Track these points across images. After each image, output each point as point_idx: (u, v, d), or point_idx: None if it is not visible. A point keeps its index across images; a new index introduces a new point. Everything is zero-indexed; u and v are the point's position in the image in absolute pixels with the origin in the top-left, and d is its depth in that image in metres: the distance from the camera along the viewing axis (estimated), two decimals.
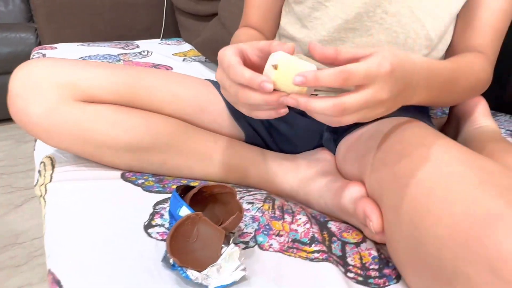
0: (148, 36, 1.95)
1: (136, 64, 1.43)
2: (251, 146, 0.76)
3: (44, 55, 1.48)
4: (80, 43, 1.69)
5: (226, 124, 0.76)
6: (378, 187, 0.54)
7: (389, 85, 0.44)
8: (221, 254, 0.46)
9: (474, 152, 0.47)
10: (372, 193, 0.56)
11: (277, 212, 0.61)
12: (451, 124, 0.84)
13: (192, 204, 0.55)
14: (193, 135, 0.71)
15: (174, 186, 0.67)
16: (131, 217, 0.57)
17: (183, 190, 0.55)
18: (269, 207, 0.63)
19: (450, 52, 0.73)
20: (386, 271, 0.50)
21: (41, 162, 0.74)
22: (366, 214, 0.53)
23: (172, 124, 0.70)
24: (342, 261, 0.52)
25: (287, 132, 0.78)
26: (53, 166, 0.70)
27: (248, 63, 0.48)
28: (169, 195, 0.63)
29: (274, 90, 0.44)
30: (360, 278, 0.49)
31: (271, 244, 0.53)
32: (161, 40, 1.88)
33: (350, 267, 0.51)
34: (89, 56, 1.50)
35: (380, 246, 0.56)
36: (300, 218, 0.60)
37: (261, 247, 0.53)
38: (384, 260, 0.52)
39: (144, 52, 1.60)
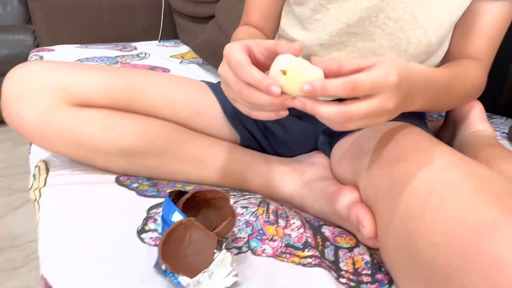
0: (146, 38, 1.95)
1: (133, 66, 1.42)
2: (247, 150, 0.76)
3: (41, 57, 1.48)
4: (78, 45, 1.69)
5: (222, 127, 0.76)
6: (373, 192, 0.54)
7: (395, 95, 0.45)
8: (213, 260, 0.46)
9: (469, 159, 0.47)
10: (366, 198, 0.56)
11: (271, 217, 0.61)
12: (448, 127, 0.84)
13: (186, 209, 0.55)
14: (188, 139, 0.71)
15: (169, 190, 0.66)
16: (125, 222, 0.57)
17: (176, 195, 0.55)
18: (263, 212, 0.63)
19: (446, 57, 0.73)
20: (379, 276, 0.50)
21: (35, 166, 0.74)
22: (359, 219, 0.53)
23: (166, 128, 0.70)
24: (334, 266, 0.52)
25: (283, 135, 0.78)
26: (47, 170, 0.70)
27: (252, 61, 0.48)
28: (163, 199, 0.63)
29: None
30: (352, 284, 0.49)
31: (264, 249, 0.53)
32: (159, 42, 1.88)
33: (343, 272, 0.51)
34: (87, 58, 1.50)
35: (373, 251, 0.56)
36: (294, 223, 0.60)
37: (254, 252, 0.53)
38: (377, 265, 0.52)
39: (141, 54, 1.60)
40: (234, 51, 0.47)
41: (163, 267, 0.45)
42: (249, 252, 0.53)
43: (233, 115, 0.75)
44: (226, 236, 0.55)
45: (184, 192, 0.55)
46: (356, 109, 0.43)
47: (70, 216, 0.58)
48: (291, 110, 0.69)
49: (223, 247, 0.49)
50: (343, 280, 0.49)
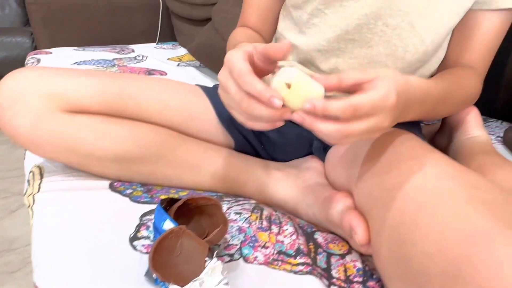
0: (144, 40, 1.95)
1: (130, 69, 1.43)
2: (241, 155, 0.76)
3: (39, 60, 1.48)
4: (75, 48, 1.70)
5: (216, 132, 0.76)
6: (367, 199, 0.54)
7: (392, 115, 0.46)
8: (204, 268, 0.46)
9: (463, 167, 0.47)
10: (360, 204, 0.56)
11: (264, 223, 0.61)
12: (444, 132, 0.84)
13: (178, 216, 0.55)
14: (182, 145, 0.71)
15: (163, 197, 0.67)
16: (117, 229, 0.57)
17: (168, 203, 0.55)
18: (256, 218, 0.63)
19: (443, 64, 0.73)
20: (370, 283, 0.50)
21: (30, 172, 0.74)
22: (352, 226, 0.53)
23: (160, 134, 0.70)
24: (326, 274, 0.52)
25: (278, 140, 0.78)
26: (41, 176, 0.70)
27: (252, 67, 0.48)
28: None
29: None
30: None
31: (256, 257, 0.54)
32: (157, 44, 1.88)
33: (334, 279, 0.51)
34: (84, 61, 1.50)
35: (365, 257, 0.56)
36: (287, 229, 0.60)
37: (246, 260, 0.53)
38: (369, 272, 0.53)
39: (139, 56, 1.60)
40: (236, 59, 0.46)
41: (154, 275, 0.45)
42: (241, 259, 0.53)
43: (228, 120, 0.75)
44: (218, 243, 0.55)
45: (176, 200, 0.55)
46: (354, 128, 0.44)
47: (63, 223, 0.58)
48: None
49: (214, 254, 0.49)
50: None
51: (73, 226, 0.58)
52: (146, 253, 0.53)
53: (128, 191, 0.67)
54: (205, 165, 0.72)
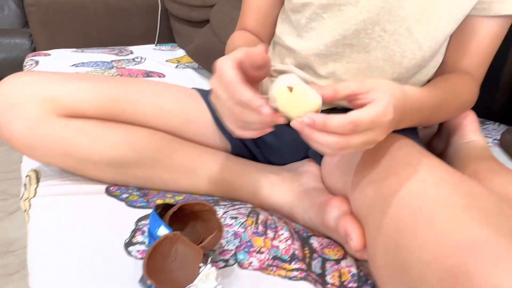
0: (142, 41, 1.95)
1: (129, 71, 1.43)
2: (237, 159, 0.76)
3: (37, 62, 1.49)
4: (74, 49, 1.69)
5: (213, 135, 0.76)
6: (363, 205, 0.54)
7: (389, 129, 0.48)
8: (198, 274, 0.46)
9: (460, 174, 0.47)
10: (356, 210, 0.56)
11: (260, 228, 0.61)
12: (441, 136, 0.84)
13: (173, 221, 0.55)
14: (178, 149, 0.71)
15: (159, 201, 0.67)
16: (113, 234, 0.57)
17: (164, 208, 0.55)
18: (252, 222, 0.63)
19: (440, 69, 0.73)
20: None
21: (26, 176, 0.74)
22: (347, 232, 0.53)
23: (156, 138, 0.70)
24: (321, 279, 0.52)
25: (274, 143, 0.78)
26: (38, 180, 0.71)
27: (243, 74, 0.48)
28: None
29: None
30: None
31: (251, 262, 0.54)
32: (156, 45, 1.88)
33: (329, 285, 0.51)
34: (82, 63, 1.50)
35: (360, 262, 0.56)
36: (282, 234, 0.60)
37: (240, 265, 0.53)
38: (363, 277, 0.53)
39: (137, 58, 1.60)
40: (226, 67, 0.47)
41: (148, 282, 0.45)
42: (236, 265, 0.53)
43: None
44: (213, 248, 0.55)
45: (171, 205, 0.55)
46: (352, 141, 0.45)
47: (58, 228, 0.58)
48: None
49: (209, 260, 0.49)
50: None
51: (68, 231, 0.58)
52: (141, 258, 0.53)
53: (124, 196, 0.67)
54: (202, 169, 0.72)
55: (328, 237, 0.62)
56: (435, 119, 0.68)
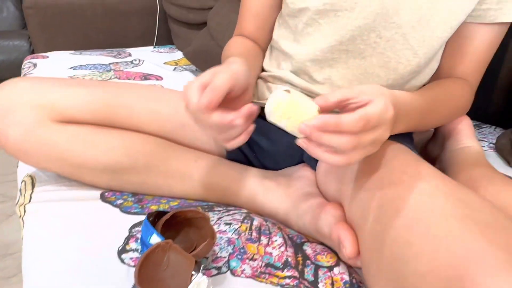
0: (141, 43, 1.95)
1: (126, 73, 1.43)
2: (232, 164, 0.76)
3: (35, 64, 1.49)
4: (72, 52, 1.70)
5: (207, 140, 0.77)
6: (358, 212, 0.54)
7: (391, 127, 0.48)
8: (190, 282, 0.47)
9: (456, 183, 0.47)
10: (351, 217, 0.56)
11: (254, 234, 0.62)
12: (436, 140, 0.84)
13: (167, 229, 0.55)
14: (173, 154, 0.72)
15: (153, 207, 0.67)
16: (106, 241, 0.57)
17: (157, 215, 0.55)
18: (246, 228, 0.63)
19: (436, 75, 0.74)
20: None
21: (22, 181, 0.74)
22: (340, 239, 0.53)
23: (151, 143, 0.70)
24: (313, 287, 0.52)
25: (269, 148, 0.78)
26: (33, 186, 0.71)
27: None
28: None
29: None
30: None
31: (244, 270, 0.54)
32: (154, 47, 1.89)
33: None
34: (80, 65, 1.50)
35: (353, 269, 0.56)
36: (276, 240, 0.60)
37: (233, 273, 0.53)
38: (356, 285, 0.53)
39: (135, 61, 1.61)
40: (190, 94, 0.50)
41: None
42: (228, 272, 0.53)
43: None
44: (206, 256, 0.55)
45: (165, 212, 0.55)
46: (363, 139, 0.45)
47: (53, 235, 0.59)
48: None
49: (201, 268, 0.49)
50: None
51: (63, 238, 0.58)
52: (134, 266, 0.53)
53: (119, 202, 0.67)
54: (196, 174, 0.72)
55: (322, 243, 0.62)
56: (428, 123, 0.67)
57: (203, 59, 1.36)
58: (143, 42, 1.97)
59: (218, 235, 0.60)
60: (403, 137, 0.71)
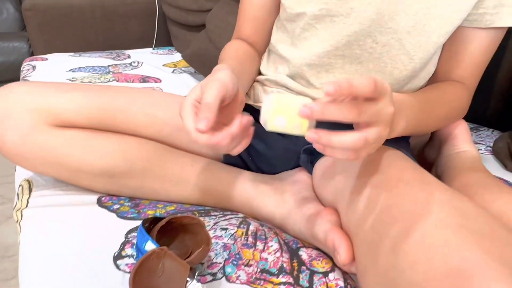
0: (140, 45, 1.95)
1: (125, 76, 1.43)
2: (229, 168, 0.76)
3: (34, 67, 1.49)
4: (71, 54, 1.70)
5: None
6: (354, 219, 0.53)
7: (391, 125, 0.47)
8: None
9: (452, 190, 0.47)
10: (346, 223, 0.56)
11: (250, 239, 0.62)
12: (433, 144, 0.84)
13: (162, 234, 0.55)
14: (170, 158, 0.72)
15: (150, 212, 0.67)
16: (102, 247, 0.57)
17: (152, 221, 0.55)
18: (242, 233, 0.63)
19: (433, 78, 0.74)
20: None
21: (19, 185, 0.74)
22: (335, 246, 0.53)
23: (148, 148, 0.70)
24: None
25: (265, 152, 0.78)
26: (30, 190, 0.71)
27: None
28: None
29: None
30: None
31: (239, 276, 0.54)
32: (153, 49, 1.89)
33: None
34: (79, 68, 1.50)
35: (348, 275, 0.56)
36: (271, 246, 0.60)
37: (228, 279, 0.53)
38: None
39: (134, 63, 1.61)
40: (184, 107, 0.52)
41: None
42: (223, 278, 0.53)
43: None
44: (202, 261, 0.55)
45: (160, 218, 0.55)
46: (370, 134, 0.44)
47: (49, 240, 0.59)
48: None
49: (196, 274, 0.49)
50: None
51: (59, 244, 0.58)
52: (129, 272, 0.53)
53: (116, 207, 0.67)
54: (193, 179, 0.72)
55: (317, 249, 0.62)
56: (426, 124, 0.67)
57: (202, 61, 1.36)
58: (143, 44, 1.97)
59: (214, 240, 0.60)
60: (400, 143, 0.71)
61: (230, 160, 0.79)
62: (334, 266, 0.57)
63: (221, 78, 0.53)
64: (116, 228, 0.62)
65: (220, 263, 0.56)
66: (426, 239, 0.40)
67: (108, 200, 0.69)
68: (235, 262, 0.56)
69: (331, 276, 0.55)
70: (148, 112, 0.72)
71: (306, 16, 0.67)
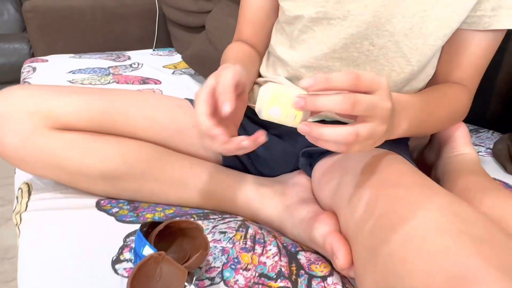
0: (141, 46, 1.96)
1: (125, 77, 1.43)
2: (228, 171, 0.76)
3: (34, 68, 1.49)
4: (72, 55, 1.70)
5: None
6: (352, 223, 0.53)
7: (388, 119, 0.46)
8: None
9: (451, 195, 0.47)
10: (345, 227, 0.56)
11: (249, 243, 0.62)
12: (432, 147, 0.84)
13: (160, 238, 0.55)
14: (169, 161, 0.72)
15: (149, 215, 0.67)
16: (101, 251, 0.57)
17: (150, 225, 0.55)
18: (241, 237, 0.63)
19: (433, 80, 0.74)
20: None
21: (19, 188, 0.74)
22: (333, 250, 0.53)
23: (147, 151, 0.70)
24: None
25: (264, 154, 0.78)
26: (29, 194, 0.71)
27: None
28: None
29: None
30: None
31: (237, 280, 0.54)
32: (154, 50, 1.89)
33: None
34: (79, 69, 1.50)
35: (347, 280, 0.56)
36: (270, 249, 0.60)
37: (226, 284, 0.53)
38: None
39: (134, 64, 1.61)
40: (197, 101, 0.51)
41: None
42: (221, 283, 0.53)
43: None
44: (200, 266, 0.55)
45: (158, 223, 0.55)
46: (361, 129, 0.44)
47: (48, 244, 0.59)
48: (271, 129, 0.70)
49: (194, 279, 0.49)
50: None
51: (58, 248, 0.58)
52: (127, 277, 0.53)
53: (114, 210, 0.67)
54: (192, 181, 0.72)
55: (316, 252, 0.62)
56: (428, 125, 0.66)
57: (201, 63, 1.36)
58: (143, 45, 1.97)
59: (212, 244, 0.60)
60: (399, 145, 0.71)
61: (229, 163, 0.79)
62: (333, 270, 0.57)
63: (234, 66, 0.53)
64: (114, 232, 0.62)
65: (218, 267, 0.56)
66: (425, 246, 0.40)
67: (107, 203, 0.69)
68: (233, 266, 0.56)
69: (329, 280, 0.55)
70: (147, 115, 0.72)
71: (304, 18, 0.67)
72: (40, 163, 0.66)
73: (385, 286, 0.42)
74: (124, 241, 0.60)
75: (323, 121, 0.73)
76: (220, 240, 0.62)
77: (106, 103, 0.70)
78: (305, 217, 0.64)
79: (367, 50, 0.65)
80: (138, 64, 1.61)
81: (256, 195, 0.73)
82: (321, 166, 0.71)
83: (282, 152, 0.77)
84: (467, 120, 0.79)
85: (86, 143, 0.67)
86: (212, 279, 0.54)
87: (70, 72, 1.47)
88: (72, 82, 1.36)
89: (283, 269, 0.56)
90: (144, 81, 1.41)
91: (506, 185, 0.79)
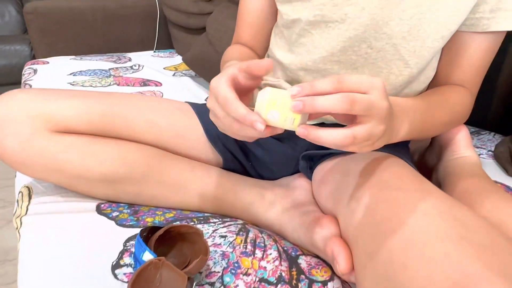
0: (142, 47, 1.96)
1: (126, 79, 1.43)
2: (229, 174, 0.76)
3: (35, 70, 1.49)
4: (73, 57, 1.70)
5: (204, 149, 0.77)
6: (353, 228, 0.53)
7: (387, 120, 0.46)
8: None
9: (451, 199, 0.46)
10: (345, 231, 0.55)
11: (249, 247, 0.62)
12: (433, 150, 0.83)
13: (160, 243, 0.55)
14: (169, 164, 0.72)
15: (149, 219, 0.67)
16: (101, 256, 0.57)
17: (150, 230, 0.55)
18: (241, 241, 0.63)
19: (433, 82, 0.73)
20: None
21: (19, 192, 0.74)
22: (334, 255, 0.53)
23: (148, 154, 0.70)
24: None
25: (264, 157, 0.78)
26: (29, 197, 0.71)
27: (238, 88, 0.49)
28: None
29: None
30: None
31: (237, 285, 0.54)
32: (154, 52, 1.89)
33: None
34: (80, 71, 1.50)
35: (347, 284, 0.56)
36: (270, 254, 0.60)
37: None
38: None
39: (135, 66, 1.61)
40: (221, 86, 0.48)
41: None
42: None
43: (215, 137, 0.76)
44: (200, 271, 0.55)
45: (158, 228, 0.55)
46: (358, 131, 0.43)
47: (48, 249, 0.59)
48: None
49: (193, 285, 0.49)
50: None
51: (58, 252, 0.58)
52: (127, 282, 0.53)
53: (115, 214, 0.67)
54: (192, 185, 0.72)
55: (317, 256, 0.62)
56: (428, 130, 0.66)
57: (202, 64, 1.36)
58: (144, 47, 1.97)
59: (212, 248, 0.60)
60: (399, 148, 0.71)
61: (230, 166, 0.78)
62: (334, 275, 0.57)
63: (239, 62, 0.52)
64: (115, 236, 0.61)
65: (218, 272, 0.56)
66: (426, 252, 0.40)
67: (107, 207, 0.69)
68: (233, 271, 0.56)
69: (330, 285, 0.55)
70: (147, 118, 0.72)
71: (302, 22, 0.67)
72: (40, 166, 0.66)
73: None
74: (124, 245, 0.60)
75: (322, 124, 0.73)
76: (220, 244, 0.62)
77: (106, 106, 0.70)
78: (305, 221, 0.64)
79: (365, 53, 0.65)
80: (139, 65, 1.61)
81: (257, 198, 0.72)
82: (321, 169, 0.71)
83: (283, 155, 0.77)
84: (468, 122, 0.79)
85: (86, 146, 0.67)
86: (212, 284, 0.54)
87: (71, 74, 1.47)
88: (73, 84, 1.36)
89: (283, 274, 0.56)
90: (145, 83, 1.41)
91: (507, 187, 0.78)
